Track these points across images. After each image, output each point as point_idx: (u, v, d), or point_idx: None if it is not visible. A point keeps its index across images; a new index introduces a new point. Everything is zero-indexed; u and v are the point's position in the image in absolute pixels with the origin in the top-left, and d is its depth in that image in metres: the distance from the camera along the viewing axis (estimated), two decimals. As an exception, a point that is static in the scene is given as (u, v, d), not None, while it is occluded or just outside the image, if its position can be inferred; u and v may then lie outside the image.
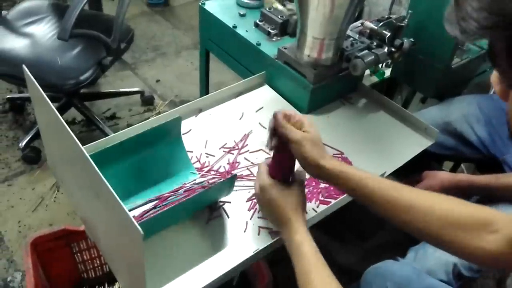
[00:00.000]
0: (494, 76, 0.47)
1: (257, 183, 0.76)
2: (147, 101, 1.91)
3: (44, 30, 1.56)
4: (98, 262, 1.20)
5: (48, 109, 0.65)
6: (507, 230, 0.60)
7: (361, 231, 1.52)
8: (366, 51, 1.04)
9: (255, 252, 0.76)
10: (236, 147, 0.96)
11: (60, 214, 1.46)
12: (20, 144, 1.59)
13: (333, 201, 0.86)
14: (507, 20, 0.36)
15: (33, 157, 1.61)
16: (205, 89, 1.42)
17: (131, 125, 0.91)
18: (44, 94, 0.65)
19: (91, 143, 0.86)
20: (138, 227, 0.52)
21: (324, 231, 1.49)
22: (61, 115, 1.70)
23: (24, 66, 0.70)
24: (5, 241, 1.38)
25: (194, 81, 2.04)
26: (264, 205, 0.75)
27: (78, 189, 0.74)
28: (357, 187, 0.68)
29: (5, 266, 1.32)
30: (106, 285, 1.19)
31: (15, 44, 1.49)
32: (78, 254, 1.16)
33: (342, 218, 1.52)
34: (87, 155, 0.58)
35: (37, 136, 1.63)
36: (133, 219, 0.53)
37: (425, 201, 0.65)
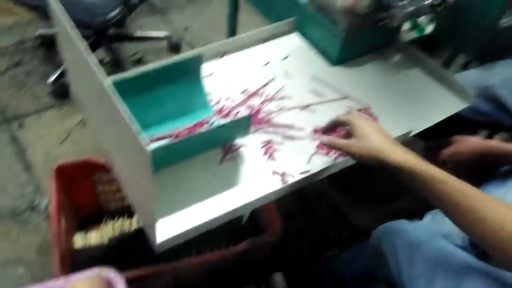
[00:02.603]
0: None
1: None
2: (174, 48, 1.88)
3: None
4: (118, 195, 1.24)
5: (68, 32, 0.64)
6: None
7: (380, 195, 1.50)
8: (407, 0, 0.96)
9: (266, 194, 0.75)
10: (258, 94, 0.93)
11: (85, 148, 1.51)
12: (49, 80, 1.62)
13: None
14: None
15: (61, 92, 1.64)
16: (231, 33, 1.38)
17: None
18: (63, 10, 0.64)
19: (111, 75, 0.85)
20: (147, 146, 0.52)
21: (344, 193, 1.47)
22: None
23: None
24: (33, 169, 1.44)
25: (223, 31, 1.99)
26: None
27: (98, 117, 0.74)
28: (430, 189, 0.65)
29: (33, 191, 1.39)
30: (126, 216, 1.23)
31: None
32: (100, 186, 1.19)
33: (362, 181, 1.50)
34: (103, 78, 0.57)
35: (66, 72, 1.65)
36: (143, 138, 0.52)
37: (497, 214, 0.60)
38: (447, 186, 0.63)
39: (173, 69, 0.80)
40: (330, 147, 0.76)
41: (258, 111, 0.89)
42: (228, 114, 0.88)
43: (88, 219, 1.25)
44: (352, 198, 1.46)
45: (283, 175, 0.80)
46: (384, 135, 0.71)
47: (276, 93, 0.94)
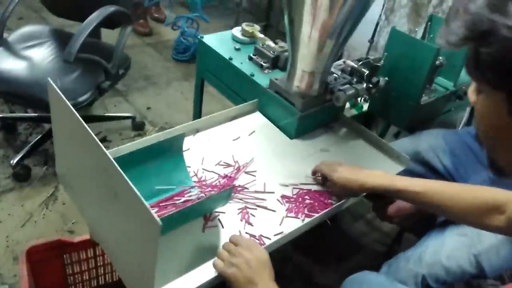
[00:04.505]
0: (470, 88, 0.61)
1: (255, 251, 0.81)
2: (138, 127, 1.99)
3: (45, 54, 1.64)
4: (87, 275, 1.23)
5: (71, 118, 0.73)
6: (509, 211, 0.81)
7: (338, 255, 1.61)
8: (348, 85, 1.18)
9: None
10: (231, 165, 1.05)
11: (48, 230, 1.48)
12: (11, 162, 1.62)
13: (315, 215, 0.96)
14: (476, 35, 0.50)
15: (23, 174, 1.64)
16: (198, 114, 1.53)
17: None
18: (68, 102, 0.73)
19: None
20: (157, 218, 0.60)
21: (306, 255, 1.57)
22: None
23: (49, 78, 0.78)
24: (-8, 255, 1.39)
25: (184, 110, 2.15)
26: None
27: (92, 193, 0.80)
28: (397, 196, 0.95)
29: (-8, 280, 1.32)
30: (94, 298, 1.22)
31: (16, 65, 1.56)
32: (69, 267, 1.19)
33: (322, 243, 1.61)
34: (112, 158, 0.66)
35: (28, 154, 1.67)
36: (152, 211, 0.60)
37: (449, 197, 0.87)
38: (422, 194, 0.89)
39: (160, 146, 0.91)
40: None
41: (233, 181, 1.00)
42: (207, 185, 0.98)
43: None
44: (314, 258, 1.55)
45: (259, 238, 0.90)
46: (352, 170, 0.98)
47: (247, 164, 1.06)
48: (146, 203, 0.61)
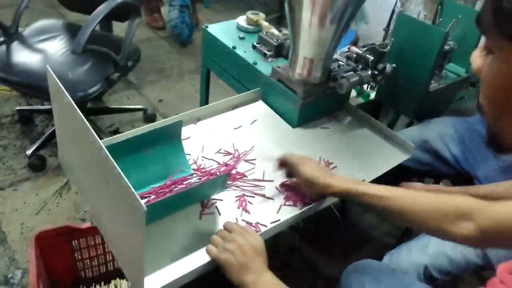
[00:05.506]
0: (474, 53, 0.57)
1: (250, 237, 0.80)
2: (149, 119, 2.01)
3: (57, 47, 1.68)
4: (96, 261, 1.27)
5: (66, 104, 0.75)
6: (479, 219, 0.70)
7: (346, 247, 1.59)
8: (352, 72, 1.15)
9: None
10: (231, 153, 1.05)
11: (61, 218, 1.53)
12: (27, 152, 1.68)
13: (314, 203, 0.94)
14: None
15: (38, 165, 1.69)
16: (204, 104, 1.53)
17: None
18: (63, 88, 0.75)
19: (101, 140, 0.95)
20: (142, 203, 0.60)
21: (314, 246, 1.56)
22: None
23: (47, 66, 0.80)
24: (8, 241, 1.44)
25: (195, 102, 2.15)
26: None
27: (88, 178, 0.82)
28: (360, 200, 0.84)
29: (7, 264, 1.38)
30: (103, 283, 1.25)
31: (30, 58, 1.60)
32: (78, 252, 1.22)
33: (329, 235, 1.60)
34: (102, 144, 0.67)
35: (43, 145, 1.72)
36: (137, 197, 0.61)
37: (413, 201, 0.78)
38: (388, 201, 0.81)
39: (158, 133, 0.91)
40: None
41: (231, 169, 1.00)
42: (205, 172, 0.99)
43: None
44: (321, 251, 1.54)
45: (256, 225, 0.89)
46: (321, 169, 0.91)
47: (247, 152, 1.06)
48: (133, 189, 0.61)
